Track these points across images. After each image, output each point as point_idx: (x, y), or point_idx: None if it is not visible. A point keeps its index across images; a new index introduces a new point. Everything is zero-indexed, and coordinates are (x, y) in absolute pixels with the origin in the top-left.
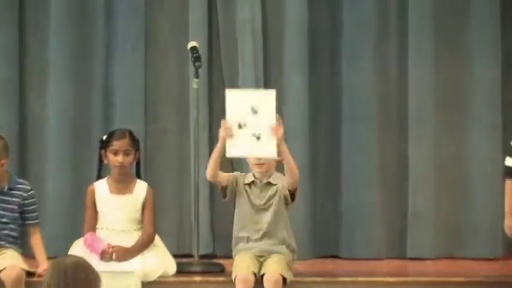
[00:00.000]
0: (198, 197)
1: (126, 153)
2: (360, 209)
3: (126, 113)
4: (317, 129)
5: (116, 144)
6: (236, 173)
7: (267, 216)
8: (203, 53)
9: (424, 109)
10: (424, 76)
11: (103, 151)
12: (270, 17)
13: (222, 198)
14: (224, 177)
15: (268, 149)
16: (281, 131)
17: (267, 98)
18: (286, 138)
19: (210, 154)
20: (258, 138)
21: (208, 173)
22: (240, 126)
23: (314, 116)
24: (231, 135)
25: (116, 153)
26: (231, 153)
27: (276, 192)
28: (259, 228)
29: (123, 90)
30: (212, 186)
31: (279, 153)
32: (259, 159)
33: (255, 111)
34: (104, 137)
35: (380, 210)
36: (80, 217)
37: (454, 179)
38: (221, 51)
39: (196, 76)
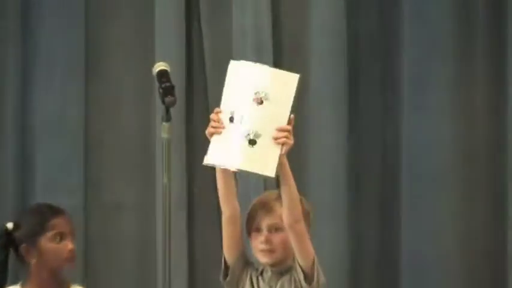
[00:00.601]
0: None
1: (71, 238)
2: None
3: (53, 179)
4: (362, 202)
5: (59, 224)
6: (248, 261)
7: None
8: (178, 81)
9: None
10: None
11: (23, 246)
12: (286, 26)
13: (220, 278)
14: (234, 252)
15: (264, 162)
16: (292, 139)
17: (285, 85)
18: (313, 220)
19: (189, 249)
20: (253, 142)
21: (223, 210)
22: (231, 120)
23: (356, 183)
24: (217, 131)
25: (61, 236)
26: (207, 159)
27: (291, 281)
28: None
29: (48, 141)
30: None
31: (278, 170)
32: (266, 243)
33: (259, 101)
34: (10, 225)
35: None
36: None
37: None
38: (207, 79)
39: (167, 118)
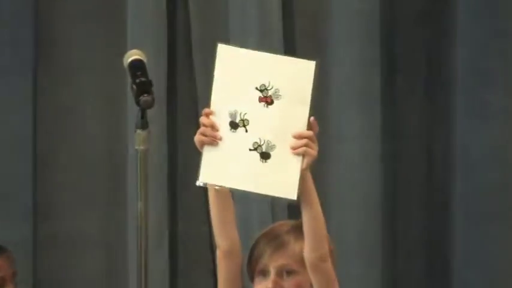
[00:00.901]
0: None
1: (13, 283)
2: None
3: None
4: (401, 236)
5: None
6: None
7: None
8: (158, 75)
9: None
10: None
11: None
12: (300, 5)
13: None
14: None
15: (282, 181)
16: (315, 148)
17: (299, 76)
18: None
19: None
20: (266, 156)
21: (217, 243)
22: (233, 126)
23: (393, 209)
24: (212, 142)
25: (2, 282)
26: (204, 177)
27: None
28: None
29: None
30: None
31: (301, 190)
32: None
33: (269, 100)
34: None
35: None
36: None
37: None
38: (195, 72)
39: (143, 124)
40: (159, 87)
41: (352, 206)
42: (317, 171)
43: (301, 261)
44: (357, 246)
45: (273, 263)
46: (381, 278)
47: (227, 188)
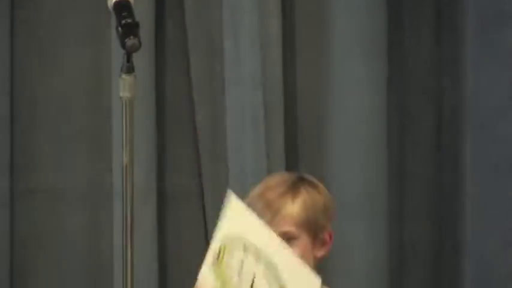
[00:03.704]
0: None
1: None
2: None
3: None
4: (407, 205)
5: None
6: None
7: None
8: (145, 17)
9: None
10: None
11: None
12: None
13: None
14: None
15: None
16: None
17: (302, 285)
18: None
19: (159, 252)
20: None
21: None
22: None
23: (400, 175)
24: None
25: None
26: None
27: None
28: None
29: None
30: None
31: None
32: None
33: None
34: None
35: None
36: None
37: None
38: (186, 15)
39: (128, 69)
40: (147, 31)
41: (356, 164)
42: (318, 130)
43: (301, 222)
44: (360, 208)
45: None
46: (387, 243)
47: None
